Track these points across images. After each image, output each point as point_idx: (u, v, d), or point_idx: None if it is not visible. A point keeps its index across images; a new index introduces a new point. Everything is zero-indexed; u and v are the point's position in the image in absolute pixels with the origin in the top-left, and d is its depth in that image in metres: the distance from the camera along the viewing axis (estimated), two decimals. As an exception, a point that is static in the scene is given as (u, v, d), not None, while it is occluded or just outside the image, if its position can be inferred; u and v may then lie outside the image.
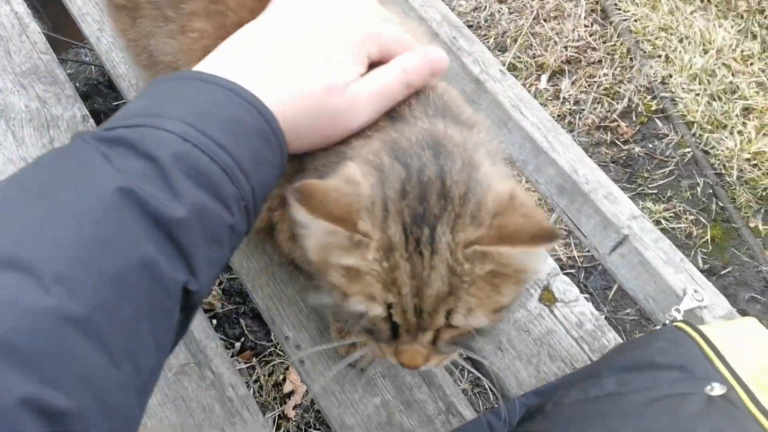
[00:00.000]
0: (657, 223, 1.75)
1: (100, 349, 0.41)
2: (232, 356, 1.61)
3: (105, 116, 1.67)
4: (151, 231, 0.46)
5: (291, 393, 1.57)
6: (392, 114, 0.62)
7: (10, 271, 0.40)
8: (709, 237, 1.71)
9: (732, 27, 2.02)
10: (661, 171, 1.83)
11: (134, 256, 0.44)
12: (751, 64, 1.95)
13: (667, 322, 0.83)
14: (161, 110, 0.51)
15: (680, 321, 0.78)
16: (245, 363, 1.60)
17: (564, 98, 2.00)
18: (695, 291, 0.87)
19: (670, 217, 1.75)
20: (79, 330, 0.40)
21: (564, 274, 0.95)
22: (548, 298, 0.91)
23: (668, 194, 1.79)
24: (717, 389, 0.63)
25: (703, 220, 1.73)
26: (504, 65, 2.07)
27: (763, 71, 1.93)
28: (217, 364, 0.91)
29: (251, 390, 1.55)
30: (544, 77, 2.06)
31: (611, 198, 0.98)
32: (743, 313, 1.62)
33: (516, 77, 2.07)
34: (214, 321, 1.65)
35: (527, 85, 2.04)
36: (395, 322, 0.58)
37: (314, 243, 0.58)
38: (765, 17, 2.03)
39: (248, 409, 0.89)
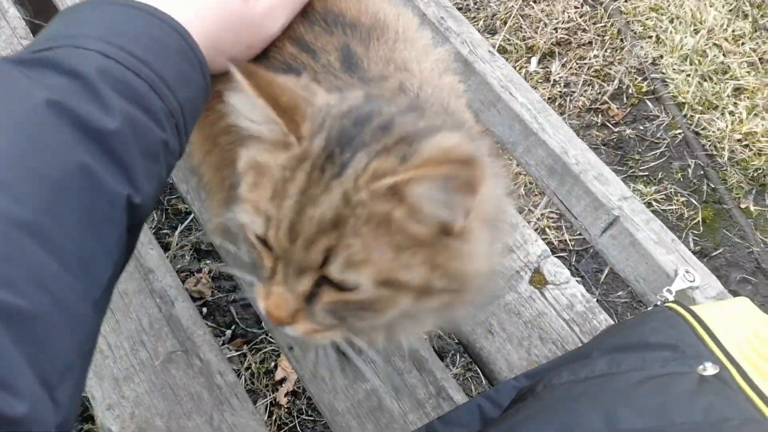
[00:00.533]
0: (648, 205, 1.74)
1: (51, 252, 0.41)
2: (222, 344, 1.60)
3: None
4: (85, 141, 0.46)
5: (283, 380, 1.56)
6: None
7: None
8: (700, 218, 1.70)
9: (723, 6, 2.00)
10: (652, 153, 1.82)
11: (72, 162, 0.44)
12: (742, 43, 1.94)
13: (658, 302, 0.82)
14: (78, 31, 0.52)
15: (672, 301, 0.77)
16: (236, 350, 1.59)
17: (554, 80, 1.99)
18: (687, 272, 0.86)
19: (662, 199, 1.75)
20: (27, 233, 0.40)
21: (555, 257, 0.94)
22: (539, 280, 0.90)
23: (659, 176, 1.79)
24: (710, 369, 0.62)
25: (695, 202, 1.73)
26: (494, 48, 2.06)
27: (754, 51, 1.92)
28: (205, 351, 0.90)
29: (242, 378, 1.54)
30: (534, 60, 2.04)
31: (602, 179, 0.97)
32: (734, 294, 1.62)
33: (506, 60, 2.06)
34: (204, 309, 1.64)
35: (517, 68, 2.02)
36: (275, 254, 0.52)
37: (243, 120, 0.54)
38: (756, -4, 2.02)
39: (237, 396, 0.88)
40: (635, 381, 0.63)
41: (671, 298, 0.83)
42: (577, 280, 1.72)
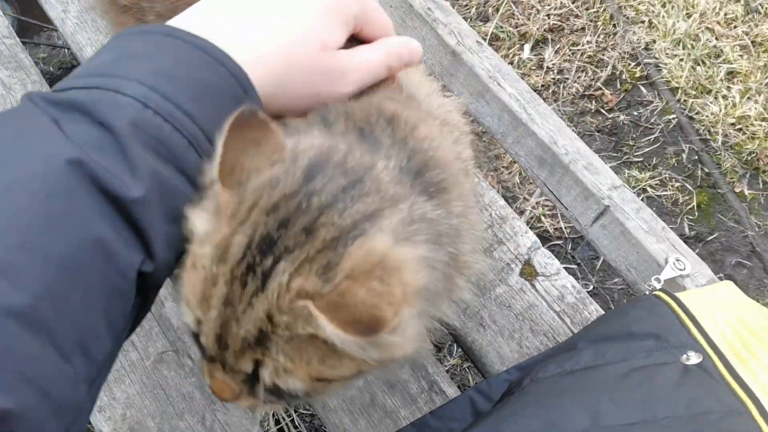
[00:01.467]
0: (643, 191, 1.74)
1: (46, 342, 0.39)
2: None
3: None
4: (104, 209, 0.43)
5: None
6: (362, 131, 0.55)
7: None
8: (695, 203, 1.70)
9: (715, -11, 1.99)
10: (647, 138, 1.81)
11: (85, 237, 0.41)
12: (735, 27, 1.93)
13: (647, 291, 0.81)
14: (121, 70, 0.47)
15: (659, 290, 0.77)
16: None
17: (547, 67, 1.98)
18: (677, 260, 0.86)
19: (656, 184, 1.74)
20: (21, 323, 0.37)
21: (551, 245, 0.94)
22: (529, 272, 0.90)
23: (654, 162, 1.78)
24: (693, 358, 0.61)
25: (689, 187, 1.73)
26: (486, 35, 2.05)
27: (746, 34, 1.91)
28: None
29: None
30: (527, 47, 2.03)
31: (591, 168, 0.96)
32: (730, 278, 1.62)
33: (498, 47, 2.05)
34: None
35: (510, 55, 2.01)
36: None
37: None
38: (748, -22, 2.00)
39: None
40: (619, 373, 0.62)
41: (659, 286, 0.82)
42: (573, 268, 1.72)
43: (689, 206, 1.70)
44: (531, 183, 1.79)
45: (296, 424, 1.42)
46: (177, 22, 0.52)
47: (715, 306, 0.70)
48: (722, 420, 0.55)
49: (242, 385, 0.51)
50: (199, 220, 0.47)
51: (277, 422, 1.40)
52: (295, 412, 1.44)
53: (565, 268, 0.93)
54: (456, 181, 0.58)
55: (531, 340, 0.86)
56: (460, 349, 1.53)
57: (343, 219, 0.47)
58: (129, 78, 0.46)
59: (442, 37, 1.06)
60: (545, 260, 0.90)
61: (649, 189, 1.73)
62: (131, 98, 0.45)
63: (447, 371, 1.31)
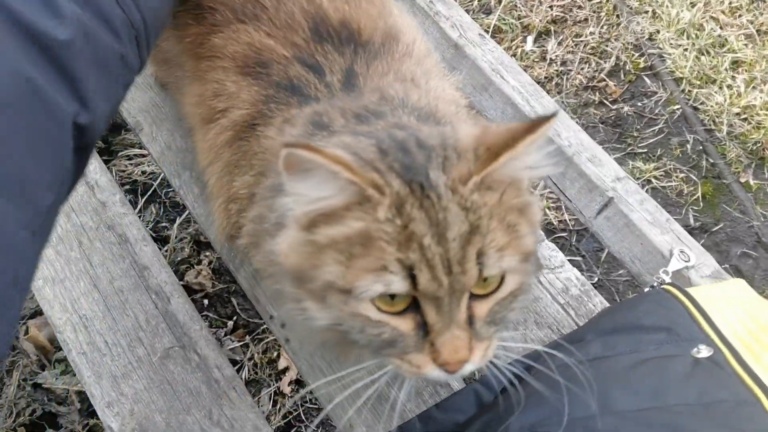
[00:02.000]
0: (648, 182, 1.73)
1: None
2: (225, 335, 1.61)
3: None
4: (32, 52, 0.42)
5: (286, 369, 1.57)
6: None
7: None
8: (700, 194, 1.69)
9: (719, -22, 1.98)
10: (651, 129, 1.80)
11: (16, 75, 0.41)
12: (740, 15, 1.92)
13: (655, 284, 0.82)
14: None
15: (668, 283, 0.77)
16: (239, 341, 1.60)
17: (551, 59, 1.97)
18: (681, 251, 0.86)
19: (661, 175, 1.74)
20: None
21: (556, 237, 0.93)
22: (533, 265, 0.90)
23: (658, 153, 1.77)
24: (704, 352, 0.62)
25: (694, 178, 1.72)
26: (489, 28, 2.04)
27: (751, 23, 1.89)
28: (202, 346, 0.90)
29: (245, 368, 1.55)
30: (530, 38, 2.02)
31: (595, 160, 0.96)
32: (735, 269, 1.61)
33: (502, 39, 2.04)
34: (206, 301, 1.64)
35: (513, 47, 2.00)
36: (421, 313, 0.52)
37: (302, 213, 0.53)
38: (753, -33, 1.99)
39: (235, 390, 0.88)
40: (630, 364, 0.63)
41: (668, 279, 0.83)
42: (578, 260, 1.72)
43: (694, 197, 1.70)
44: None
45: (302, 418, 1.43)
46: None
47: (725, 302, 0.70)
48: (734, 409, 0.56)
49: (468, 329, 0.53)
50: (351, 219, 0.51)
51: (285, 417, 1.41)
52: (301, 406, 1.45)
53: (569, 260, 0.93)
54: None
55: (536, 333, 0.86)
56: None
57: (430, 131, 0.56)
58: None
59: (444, 30, 1.06)
60: (549, 253, 0.90)
61: (653, 180, 1.73)
62: None
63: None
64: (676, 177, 1.73)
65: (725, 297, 0.73)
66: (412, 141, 0.54)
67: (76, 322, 0.90)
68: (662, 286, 0.75)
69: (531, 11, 2.03)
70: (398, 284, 0.49)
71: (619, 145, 1.82)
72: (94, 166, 1.01)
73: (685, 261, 0.85)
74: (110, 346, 0.89)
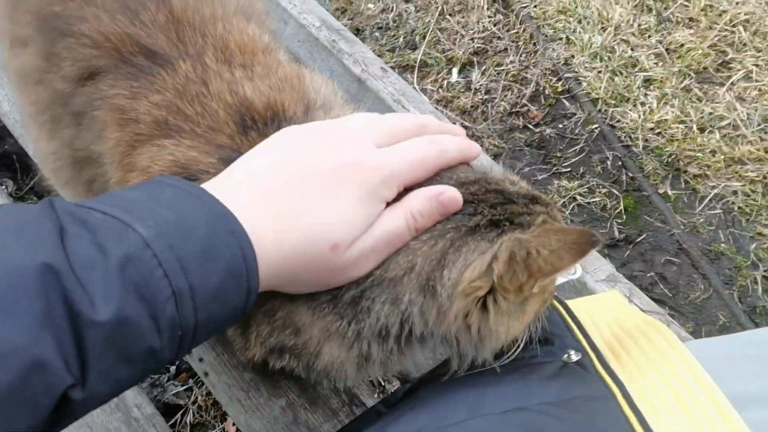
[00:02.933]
0: (573, 199, 1.80)
1: None
2: (167, 380, 1.61)
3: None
4: (57, 327, 0.42)
5: (231, 409, 1.58)
6: None
7: None
8: (622, 207, 1.77)
9: (628, 3, 2.09)
10: (573, 149, 1.88)
11: (28, 354, 0.40)
12: (649, 36, 2.02)
13: None
14: (144, 211, 0.48)
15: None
16: (182, 385, 1.60)
17: (475, 89, 2.05)
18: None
19: (585, 192, 1.81)
20: None
21: None
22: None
23: (581, 171, 1.85)
24: (573, 356, 0.65)
25: (616, 192, 1.79)
26: (416, 63, 2.12)
27: (660, 42, 2.00)
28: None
29: (190, 412, 1.55)
30: (455, 70, 2.10)
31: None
32: (660, 276, 1.68)
33: (428, 73, 2.12)
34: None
35: (440, 80, 2.08)
36: None
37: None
38: (657, -9, 2.11)
39: (155, 427, 0.89)
40: (503, 371, 0.67)
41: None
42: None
43: (617, 210, 1.77)
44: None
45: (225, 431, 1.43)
46: (213, 184, 0.56)
47: (599, 312, 0.75)
48: (588, 403, 0.60)
49: None
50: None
51: None
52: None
53: None
54: None
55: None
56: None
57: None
58: (145, 218, 0.47)
59: (347, 66, 1.11)
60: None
61: (578, 197, 1.80)
62: (138, 235, 0.46)
63: (368, 383, 1.34)
64: (599, 192, 1.80)
65: (600, 307, 0.78)
66: (482, 184, 0.63)
67: None
68: None
69: (454, 44, 2.11)
70: None
71: (545, 166, 1.89)
72: None
73: (571, 274, 0.89)
74: (28, 394, 0.89)
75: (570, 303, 0.76)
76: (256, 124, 0.66)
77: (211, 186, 0.55)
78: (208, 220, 0.50)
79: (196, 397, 1.58)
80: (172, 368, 1.61)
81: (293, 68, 0.75)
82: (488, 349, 0.63)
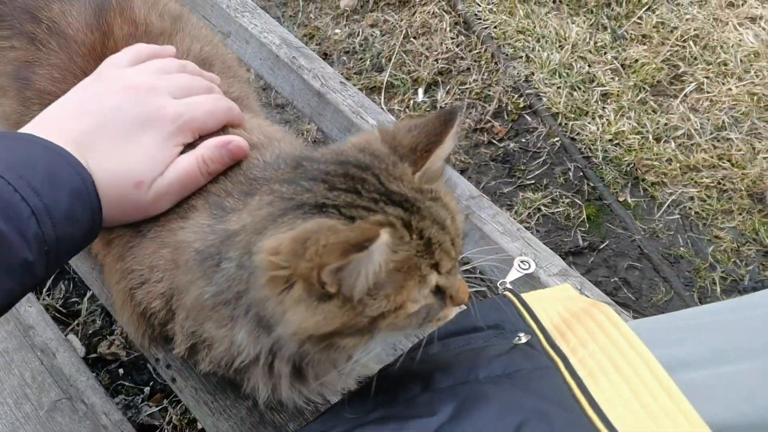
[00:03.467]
0: (538, 209, 1.85)
1: None
2: (142, 401, 1.61)
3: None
4: None
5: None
6: None
7: None
8: (585, 216, 1.82)
9: (584, 22, 2.17)
10: (536, 162, 1.94)
11: None
12: (605, 53, 2.10)
13: (500, 291, 0.90)
14: None
15: (507, 290, 0.85)
16: (156, 406, 1.60)
17: (441, 107, 2.10)
18: (521, 262, 0.94)
19: (549, 203, 1.86)
20: None
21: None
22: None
23: (545, 182, 1.90)
24: (522, 338, 0.69)
25: (578, 201, 1.85)
26: (382, 84, 2.17)
27: (615, 58, 2.08)
28: (89, 395, 0.93)
29: (165, 432, 1.55)
30: (421, 90, 2.16)
31: (449, 183, 1.05)
32: (624, 281, 1.73)
33: (395, 93, 2.18)
34: (121, 370, 1.65)
35: (406, 100, 2.13)
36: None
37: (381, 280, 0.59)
38: (611, 9, 2.20)
39: (124, 433, 0.91)
40: (455, 353, 0.70)
41: (508, 286, 0.91)
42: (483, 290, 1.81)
43: (580, 219, 1.82)
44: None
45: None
46: (41, 128, 0.65)
47: (550, 300, 0.79)
48: (532, 373, 0.63)
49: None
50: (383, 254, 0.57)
51: None
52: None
53: (475, 292, 1.00)
54: None
55: (404, 343, 0.93)
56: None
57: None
58: None
59: (307, 81, 1.16)
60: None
61: (542, 208, 1.85)
62: None
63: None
64: (563, 203, 1.85)
65: (551, 296, 0.82)
66: (349, 167, 0.62)
67: (-39, 387, 0.92)
68: (503, 293, 0.83)
69: (419, 66, 2.17)
70: (433, 280, 0.61)
71: (510, 179, 1.94)
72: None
73: (525, 269, 0.93)
74: (-4, 406, 0.91)
75: (524, 295, 0.79)
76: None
77: (35, 129, 0.64)
78: (45, 155, 0.60)
79: (171, 417, 1.58)
80: (146, 389, 1.62)
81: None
82: (282, 333, 0.60)
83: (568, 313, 0.75)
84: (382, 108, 1.14)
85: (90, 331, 1.68)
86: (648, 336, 0.64)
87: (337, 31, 2.34)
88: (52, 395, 0.93)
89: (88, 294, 1.71)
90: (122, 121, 0.67)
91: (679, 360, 0.61)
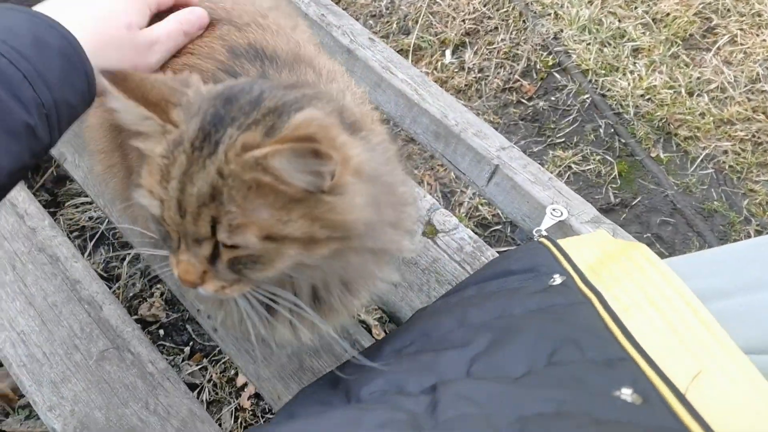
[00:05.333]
0: (569, 167, 1.84)
1: None
2: (182, 361, 1.66)
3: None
4: None
5: (245, 385, 1.63)
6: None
7: None
8: (616, 173, 1.80)
9: (614, -23, 2.13)
10: (566, 120, 1.92)
11: None
12: (636, 8, 2.06)
13: (535, 238, 0.90)
14: None
15: (543, 236, 0.86)
16: (197, 365, 1.65)
17: (469, 68, 2.09)
18: (553, 209, 0.95)
19: (579, 160, 1.85)
20: None
21: (492, 230, 1.01)
22: (431, 231, 0.98)
23: (575, 140, 1.89)
24: (557, 279, 0.70)
25: (610, 158, 1.83)
26: (410, 47, 2.16)
27: (646, 13, 2.04)
28: (135, 344, 0.97)
29: (206, 390, 1.60)
30: (448, 52, 2.15)
31: (481, 135, 1.06)
32: (657, 236, 1.72)
33: (422, 56, 2.17)
34: (161, 331, 1.70)
35: (434, 62, 2.12)
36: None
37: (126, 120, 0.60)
38: (642, -37, 2.15)
39: (169, 380, 0.94)
40: (488, 292, 0.71)
41: (543, 233, 0.91)
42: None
43: (612, 176, 1.81)
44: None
45: (240, 405, 1.48)
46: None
47: (585, 244, 0.79)
48: (566, 308, 0.64)
49: (205, 264, 0.59)
50: (148, 143, 0.58)
51: (248, 427, 1.46)
52: (263, 415, 1.50)
53: (505, 250, 1.01)
54: (365, 122, 0.67)
55: (437, 290, 0.95)
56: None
57: (286, 97, 0.57)
58: None
59: (336, 38, 1.17)
60: (443, 218, 0.99)
61: (573, 165, 1.84)
62: None
63: (366, 329, 1.38)
64: (594, 160, 1.84)
65: (587, 241, 0.82)
66: (249, 97, 0.58)
67: (15, 339, 0.96)
68: (537, 240, 0.84)
69: (446, 27, 2.16)
70: (154, 209, 0.58)
71: (539, 138, 1.93)
72: (23, 196, 1.08)
73: (558, 216, 0.94)
74: (48, 356, 0.95)
75: (560, 240, 0.80)
76: (245, 54, 0.73)
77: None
78: (28, 21, 0.61)
79: (211, 376, 1.63)
80: (186, 349, 1.66)
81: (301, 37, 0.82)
82: None
83: (604, 254, 0.75)
84: (410, 63, 1.14)
85: (131, 294, 1.73)
86: (685, 270, 0.65)
87: (363, -6, 2.33)
88: (100, 345, 0.96)
89: (128, 258, 1.76)
90: None
91: (716, 289, 0.62)
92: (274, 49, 0.72)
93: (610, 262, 0.72)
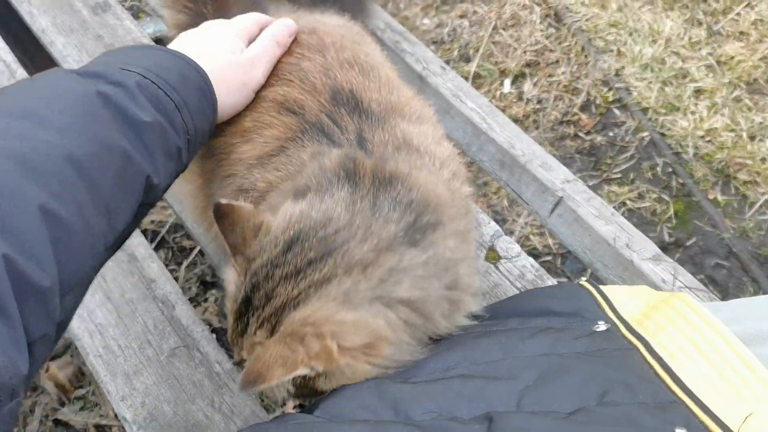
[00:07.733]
0: (623, 204, 1.85)
1: (90, 190, 0.56)
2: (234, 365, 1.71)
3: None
4: (125, 128, 0.62)
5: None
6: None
7: (25, 120, 0.55)
8: (672, 212, 1.80)
9: (679, 17, 2.14)
10: (623, 156, 1.93)
11: (113, 142, 0.59)
12: (700, 49, 2.07)
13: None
14: (122, 60, 0.68)
15: (585, 280, 0.87)
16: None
17: (527, 99, 2.12)
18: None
19: (635, 197, 1.86)
20: (77, 169, 0.55)
21: (542, 261, 1.04)
22: (493, 256, 1.01)
23: (631, 177, 1.90)
24: (602, 326, 0.70)
25: (666, 197, 1.83)
26: (469, 74, 2.21)
27: (710, 54, 2.05)
28: (204, 345, 1.02)
29: (253, 395, 1.65)
30: (507, 81, 2.18)
31: (546, 166, 1.08)
32: (710, 279, 1.71)
33: (481, 84, 2.21)
34: (215, 335, 1.75)
35: (493, 91, 2.16)
36: None
37: None
38: (708, 4, 2.16)
39: (235, 381, 0.99)
40: (536, 330, 0.73)
41: (585, 277, 0.93)
42: (563, 281, 1.82)
43: (667, 215, 1.81)
44: (518, 205, 1.91)
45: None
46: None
47: (628, 295, 0.80)
48: (614, 352, 0.66)
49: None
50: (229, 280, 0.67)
51: (283, 402, 1.49)
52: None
53: (557, 281, 1.03)
54: (450, 219, 0.70)
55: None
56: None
57: (295, 288, 0.62)
58: (130, 64, 0.67)
59: (409, 65, 1.21)
60: (506, 245, 1.02)
61: (628, 202, 1.84)
62: (134, 72, 0.66)
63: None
64: (650, 198, 1.84)
65: (629, 292, 0.83)
66: (270, 286, 0.64)
67: (92, 330, 1.02)
68: (579, 282, 0.85)
69: (507, 57, 2.20)
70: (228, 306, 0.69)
71: (594, 173, 1.95)
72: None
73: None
74: (123, 349, 1.00)
75: (603, 287, 0.82)
76: (346, 104, 0.78)
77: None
78: (174, 60, 0.71)
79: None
80: (237, 354, 1.72)
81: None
82: None
83: (647, 306, 0.76)
84: (478, 93, 1.18)
85: (187, 298, 1.79)
86: (727, 315, 0.66)
87: (425, 21, 2.38)
88: (171, 342, 1.02)
89: (185, 263, 1.83)
90: (214, 38, 0.81)
91: (760, 334, 0.63)
92: (369, 102, 0.78)
93: (653, 312, 0.73)
